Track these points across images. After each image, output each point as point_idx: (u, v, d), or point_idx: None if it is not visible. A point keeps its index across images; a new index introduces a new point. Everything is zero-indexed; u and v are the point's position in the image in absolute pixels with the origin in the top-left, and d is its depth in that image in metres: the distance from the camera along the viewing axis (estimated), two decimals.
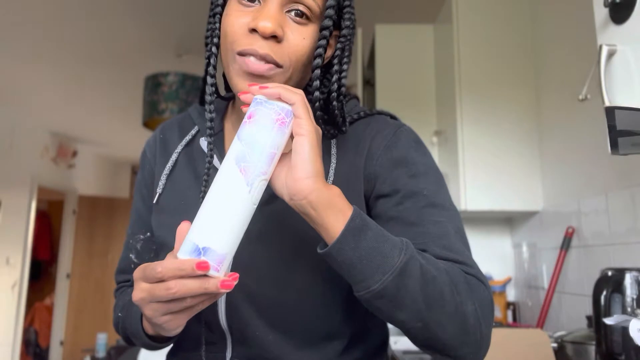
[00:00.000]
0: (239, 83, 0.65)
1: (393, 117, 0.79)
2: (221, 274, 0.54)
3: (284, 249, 0.68)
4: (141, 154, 0.85)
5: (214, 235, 0.54)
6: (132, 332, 0.72)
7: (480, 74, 2.12)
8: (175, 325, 0.58)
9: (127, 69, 3.90)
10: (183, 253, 0.54)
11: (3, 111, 4.73)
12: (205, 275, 0.53)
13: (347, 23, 0.70)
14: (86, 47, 3.53)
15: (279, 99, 0.58)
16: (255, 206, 0.57)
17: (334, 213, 0.56)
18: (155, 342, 0.70)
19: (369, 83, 2.87)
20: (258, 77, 0.64)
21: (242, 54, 0.64)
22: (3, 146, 4.77)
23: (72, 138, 5.83)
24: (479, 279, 0.64)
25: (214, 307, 0.69)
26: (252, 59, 0.64)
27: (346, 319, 0.68)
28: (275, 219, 0.68)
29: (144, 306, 0.56)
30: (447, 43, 2.27)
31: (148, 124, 3.46)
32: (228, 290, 0.53)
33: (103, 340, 3.48)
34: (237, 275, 0.55)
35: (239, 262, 0.68)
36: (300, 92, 0.59)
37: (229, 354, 0.70)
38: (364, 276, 0.56)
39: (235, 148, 0.57)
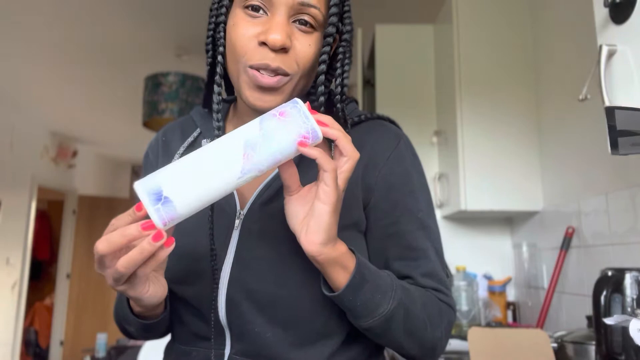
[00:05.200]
0: (249, 96, 0.68)
1: (391, 122, 0.81)
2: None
3: (283, 247, 0.69)
4: (144, 157, 0.86)
5: (183, 194, 0.54)
6: (124, 316, 0.73)
7: (480, 74, 2.12)
8: (135, 291, 0.59)
9: (127, 69, 3.90)
10: (143, 188, 0.53)
11: (3, 111, 4.73)
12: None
13: (348, 28, 0.73)
14: (86, 47, 3.54)
15: (318, 156, 0.58)
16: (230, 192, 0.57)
17: (338, 270, 0.63)
18: (143, 320, 0.71)
19: (369, 83, 2.87)
20: (268, 89, 0.68)
21: (253, 67, 0.67)
22: (3, 146, 4.77)
23: (72, 138, 5.83)
24: (450, 305, 0.74)
25: (213, 306, 0.70)
26: (263, 71, 0.67)
27: (343, 317, 0.70)
28: (276, 217, 0.70)
29: (105, 274, 0.57)
30: (447, 43, 2.27)
31: (148, 124, 3.46)
32: (147, 234, 0.53)
33: (103, 340, 3.48)
34: (173, 240, 0.56)
35: (239, 259, 0.70)
36: (353, 156, 0.61)
37: (227, 351, 0.70)
38: (357, 317, 0.66)
39: (250, 131, 0.57)
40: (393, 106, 2.46)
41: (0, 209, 4.73)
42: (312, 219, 0.60)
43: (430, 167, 2.43)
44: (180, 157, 0.79)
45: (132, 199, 6.63)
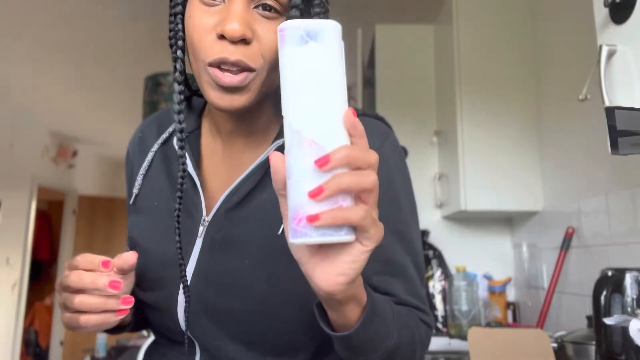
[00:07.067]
0: (212, 96, 0.62)
1: (380, 119, 0.75)
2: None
3: (246, 258, 0.64)
4: (126, 154, 0.82)
5: None
6: None
7: (480, 74, 2.12)
8: (71, 326, 0.60)
9: (127, 69, 3.90)
10: None
11: (3, 111, 4.73)
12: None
13: (317, 10, 0.64)
14: (86, 47, 3.54)
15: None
16: None
17: (353, 306, 0.53)
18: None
19: (369, 83, 2.87)
20: (231, 90, 0.61)
21: (212, 65, 0.60)
22: (3, 146, 4.77)
23: (72, 138, 5.83)
24: (429, 325, 0.69)
25: (173, 314, 0.67)
26: (223, 66, 0.60)
27: (309, 333, 0.64)
28: (241, 225, 0.65)
29: (61, 296, 0.61)
30: (447, 43, 2.27)
31: None
32: (114, 293, 0.58)
33: (103, 340, 3.48)
34: (132, 300, 0.60)
35: (199, 270, 0.66)
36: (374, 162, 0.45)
37: (197, 358, 0.68)
38: (359, 354, 0.57)
39: None
40: (393, 106, 2.46)
41: (0, 209, 4.73)
42: (340, 259, 0.46)
43: (430, 167, 2.43)
44: (155, 154, 0.75)
45: None
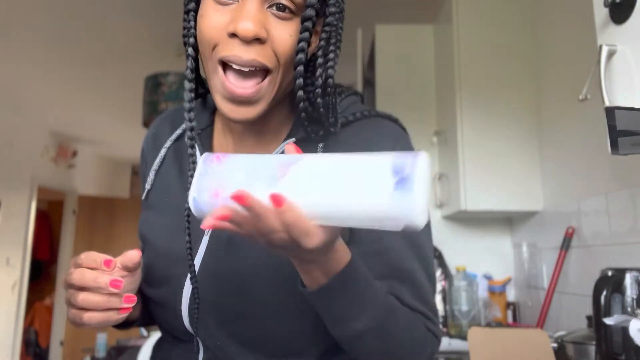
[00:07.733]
0: (223, 107, 0.62)
1: (394, 121, 0.74)
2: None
3: (250, 260, 0.64)
4: (140, 151, 0.83)
5: None
6: None
7: (480, 74, 2.12)
8: (75, 322, 0.60)
9: (127, 69, 3.90)
10: None
11: (3, 111, 4.73)
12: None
13: (332, 10, 0.63)
14: (86, 47, 3.54)
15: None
16: None
17: (313, 270, 0.55)
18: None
19: (369, 83, 2.87)
20: (243, 102, 0.60)
21: (224, 60, 0.59)
22: (3, 146, 4.77)
23: (72, 138, 5.83)
24: (436, 335, 0.67)
25: (177, 311, 0.67)
26: (232, 79, 0.60)
27: (312, 337, 0.64)
28: None
29: (67, 292, 0.60)
30: (447, 43, 2.27)
31: (148, 124, 3.46)
32: (116, 290, 0.57)
33: (103, 340, 3.48)
34: (134, 298, 0.59)
35: (204, 269, 0.66)
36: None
37: (201, 356, 0.69)
38: (326, 322, 0.58)
39: None
40: (393, 106, 2.46)
41: (0, 209, 4.73)
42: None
43: (430, 167, 2.43)
44: (167, 151, 0.75)
45: (132, 199, 6.63)
